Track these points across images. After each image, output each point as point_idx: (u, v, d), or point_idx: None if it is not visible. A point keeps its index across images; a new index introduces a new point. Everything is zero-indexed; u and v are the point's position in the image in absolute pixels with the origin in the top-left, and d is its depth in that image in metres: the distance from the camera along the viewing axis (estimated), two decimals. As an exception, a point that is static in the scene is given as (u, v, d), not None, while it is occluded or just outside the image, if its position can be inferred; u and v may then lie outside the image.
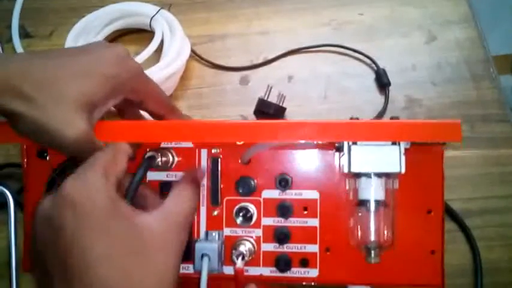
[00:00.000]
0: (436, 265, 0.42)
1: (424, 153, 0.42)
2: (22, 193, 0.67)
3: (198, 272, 0.42)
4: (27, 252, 0.46)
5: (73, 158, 0.44)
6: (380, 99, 0.73)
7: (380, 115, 0.71)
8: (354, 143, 0.40)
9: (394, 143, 0.39)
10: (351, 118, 0.40)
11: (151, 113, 0.46)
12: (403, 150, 0.39)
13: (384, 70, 0.74)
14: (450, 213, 0.62)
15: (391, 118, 0.42)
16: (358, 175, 0.41)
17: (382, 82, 0.73)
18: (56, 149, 0.39)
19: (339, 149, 0.41)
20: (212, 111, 0.74)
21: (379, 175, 0.40)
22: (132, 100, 0.43)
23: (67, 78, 0.39)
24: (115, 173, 0.36)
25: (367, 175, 0.40)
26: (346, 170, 0.40)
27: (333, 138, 0.39)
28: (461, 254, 0.60)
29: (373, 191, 0.40)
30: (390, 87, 0.73)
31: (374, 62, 0.75)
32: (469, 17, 0.78)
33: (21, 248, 0.64)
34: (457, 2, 0.80)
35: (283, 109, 0.70)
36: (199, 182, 0.39)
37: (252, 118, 0.71)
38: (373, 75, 0.75)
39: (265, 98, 0.70)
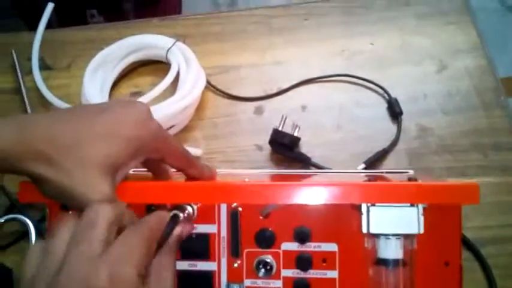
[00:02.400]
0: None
1: (442, 211, 0.43)
2: (43, 222, 0.70)
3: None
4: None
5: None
6: (393, 128, 0.74)
7: (393, 144, 0.72)
8: (373, 205, 0.41)
9: (412, 205, 0.41)
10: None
11: (172, 167, 0.47)
12: (421, 211, 0.41)
13: (395, 99, 0.75)
14: (465, 242, 0.63)
15: (409, 179, 0.43)
16: (377, 235, 0.42)
17: (395, 111, 0.75)
18: (80, 210, 0.40)
19: (358, 208, 0.42)
20: (227, 141, 0.76)
21: (397, 236, 0.42)
22: (153, 158, 0.45)
23: (91, 141, 0.40)
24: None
25: (386, 236, 0.42)
26: (365, 231, 0.42)
27: (351, 200, 0.41)
28: (478, 283, 0.61)
29: (391, 251, 0.41)
30: (402, 116, 0.74)
31: (386, 92, 0.76)
32: (479, 45, 0.80)
33: None
34: (466, 31, 0.81)
35: (298, 139, 0.71)
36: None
37: (267, 147, 0.73)
38: (385, 104, 0.76)
39: (280, 128, 0.71)
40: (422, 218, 0.41)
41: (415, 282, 0.43)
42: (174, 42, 0.78)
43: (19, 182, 0.46)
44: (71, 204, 0.40)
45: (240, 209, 0.46)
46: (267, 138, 0.71)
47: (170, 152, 0.46)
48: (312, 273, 0.45)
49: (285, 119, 0.72)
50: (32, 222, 0.70)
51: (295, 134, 0.71)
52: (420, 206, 0.41)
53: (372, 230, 0.41)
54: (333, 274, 0.44)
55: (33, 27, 0.80)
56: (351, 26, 0.84)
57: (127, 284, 0.32)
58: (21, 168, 0.39)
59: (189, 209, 0.44)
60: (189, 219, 0.44)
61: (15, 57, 0.85)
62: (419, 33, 0.81)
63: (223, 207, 0.46)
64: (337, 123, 0.76)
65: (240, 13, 0.88)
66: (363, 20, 0.84)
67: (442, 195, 0.40)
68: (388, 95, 0.76)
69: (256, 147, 0.75)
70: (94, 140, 0.40)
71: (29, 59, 0.81)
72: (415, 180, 0.43)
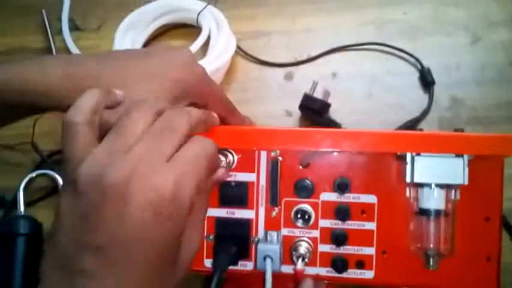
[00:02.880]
0: (492, 272, 0.43)
1: (485, 164, 0.42)
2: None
3: (257, 270, 0.44)
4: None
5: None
6: (424, 97, 0.73)
7: (424, 113, 0.72)
8: (418, 154, 0.41)
9: (458, 155, 0.40)
10: (418, 129, 0.41)
11: (214, 116, 0.47)
12: (466, 163, 0.40)
13: (428, 69, 0.74)
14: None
15: (455, 130, 0.42)
16: (420, 185, 0.42)
17: (427, 81, 0.74)
18: None
19: (401, 158, 0.42)
20: (257, 105, 0.75)
21: (441, 186, 0.41)
22: (197, 103, 0.45)
23: (136, 81, 0.41)
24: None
25: (429, 185, 0.41)
26: (408, 180, 0.41)
27: (396, 149, 0.40)
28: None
29: (434, 201, 0.41)
30: (435, 86, 0.73)
31: (418, 61, 0.75)
32: (515, 18, 0.78)
33: None
34: (502, 3, 0.79)
35: (328, 105, 0.71)
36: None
37: (296, 113, 0.73)
38: (417, 74, 0.75)
39: (311, 94, 0.71)
40: (467, 170, 0.40)
41: (456, 236, 0.42)
42: (205, 6, 0.78)
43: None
44: None
45: (280, 158, 0.45)
46: (297, 104, 0.71)
47: (214, 98, 0.46)
48: (350, 225, 0.45)
49: (316, 85, 0.71)
50: (62, 177, 0.71)
51: (326, 101, 0.70)
52: (466, 157, 0.40)
53: (417, 180, 0.41)
54: (371, 226, 0.44)
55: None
56: (383, -6, 0.83)
57: (187, 197, 0.31)
58: (64, 103, 0.39)
59: (230, 156, 0.44)
60: (228, 166, 0.44)
61: (45, 17, 0.85)
62: (454, 4, 0.80)
63: (263, 156, 0.46)
64: (368, 91, 0.75)
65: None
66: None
67: (488, 146, 0.39)
68: (421, 64, 0.75)
69: (286, 112, 0.74)
70: (140, 80, 0.41)
71: (59, 19, 0.81)
72: (462, 131, 0.42)
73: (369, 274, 0.44)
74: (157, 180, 0.30)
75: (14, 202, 0.70)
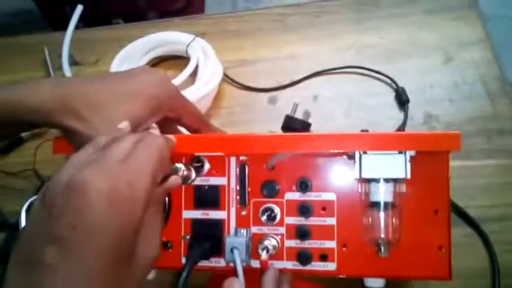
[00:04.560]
0: (444, 259, 0.46)
1: (430, 159, 0.46)
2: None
3: (229, 265, 0.48)
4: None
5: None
6: (400, 115, 0.77)
7: (400, 129, 0.76)
8: (364, 152, 0.45)
9: (400, 152, 0.45)
10: (362, 130, 0.45)
11: (187, 128, 0.52)
12: (408, 158, 0.44)
13: (403, 88, 0.79)
14: (468, 219, 0.66)
15: (397, 130, 0.47)
16: (368, 180, 0.46)
17: (402, 99, 0.78)
18: None
19: (351, 157, 0.47)
20: (242, 127, 0.80)
21: (387, 180, 0.45)
22: (170, 117, 0.50)
23: (115, 100, 0.46)
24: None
25: (377, 180, 0.46)
26: (357, 176, 0.46)
27: (346, 148, 0.45)
28: (480, 257, 0.64)
29: (382, 194, 0.45)
30: (409, 105, 0.78)
31: (393, 81, 0.80)
32: (484, 38, 0.83)
33: None
34: (473, 25, 0.85)
35: (309, 124, 0.75)
36: None
37: (279, 133, 0.77)
38: (393, 94, 0.80)
39: (292, 115, 0.75)
40: (409, 164, 0.44)
41: (405, 226, 0.46)
42: (194, 38, 0.84)
43: (53, 139, 0.52)
44: None
45: (248, 162, 0.50)
46: (280, 125, 0.76)
47: (186, 112, 0.51)
48: (313, 220, 0.48)
49: (297, 106, 0.76)
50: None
51: (307, 121, 0.75)
52: (407, 153, 0.45)
53: (364, 175, 0.45)
54: (332, 221, 0.48)
55: (58, 29, 0.87)
56: (360, 22, 0.89)
57: (141, 189, 0.36)
58: (55, 121, 0.44)
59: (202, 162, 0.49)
60: (183, 176, 0.48)
61: (47, 54, 0.92)
62: (427, 28, 0.85)
63: (233, 161, 0.50)
64: (347, 111, 0.79)
65: (256, 11, 0.94)
66: (372, 16, 0.89)
67: (426, 142, 0.44)
68: (396, 84, 0.80)
69: (270, 132, 0.79)
70: (118, 100, 0.46)
71: (59, 56, 0.87)
72: (403, 130, 0.46)
73: (331, 266, 0.48)
74: (112, 177, 0.35)
75: (17, 225, 0.74)
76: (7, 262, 0.68)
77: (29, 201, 0.76)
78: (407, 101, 0.78)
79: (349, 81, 0.83)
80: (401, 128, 0.76)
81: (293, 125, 0.75)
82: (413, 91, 0.79)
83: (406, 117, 0.77)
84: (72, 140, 0.46)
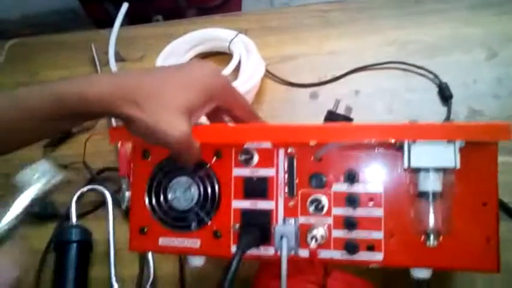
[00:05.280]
0: (492, 252, 0.46)
1: (478, 150, 0.46)
2: (118, 193, 0.78)
3: (278, 253, 0.49)
4: (134, 232, 0.54)
5: (172, 156, 0.53)
6: (443, 110, 0.77)
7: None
8: (413, 142, 0.46)
9: (449, 141, 0.45)
10: (410, 121, 0.46)
11: (236, 119, 0.54)
12: (457, 147, 0.45)
13: (446, 84, 0.79)
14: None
15: (445, 120, 0.47)
16: (417, 170, 0.47)
17: (445, 95, 0.78)
18: (161, 146, 0.48)
19: (399, 148, 0.47)
20: (284, 122, 0.81)
21: (436, 169, 0.46)
22: (221, 107, 0.52)
23: (171, 89, 0.48)
24: None
25: (426, 169, 0.46)
26: (406, 166, 0.46)
27: (395, 137, 0.46)
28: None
29: (431, 183, 0.46)
30: (453, 101, 0.78)
31: (436, 77, 0.80)
32: (530, 34, 0.82)
33: (120, 238, 0.74)
34: (516, 19, 0.84)
35: (351, 119, 0.76)
36: None
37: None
38: (435, 89, 0.80)
39: (334, 110, 0.76)
40: (458, 154, 0.45)
41: (454, 217, 0.47)
42: (237, 34, 0.86)
43: (109, 130, 0.54)
44: (154, 140, 0.47)
45: (296, 155, 0.51)
46: (321, 120, 0.76)
47: (237, 103, 0.53)
48: (360, 211, 0.49)
49: (339, 102, 0.77)
50: (109, 192, 0.78)
51: (349, 116, 0.76)
52: (457, 143, 0.45)
53: (413, 164, 0.46)
54: (379, 212, 0.49)
55: (100, 26, 0.90)
56: (402, 18, 0.89)
57: None
58: (116, 110, 0.47)
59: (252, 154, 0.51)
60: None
61: (94, 51, 0.95)
62: (470, 23, 0.85)
63: (281, 153, 0.51)
64: (389, 107, 0.80)
65: (296, 8, 0.95)
66: (415, 12, 0.89)
67: (475, 132, 0.44)
68: (439, 79, 0.80)
69: (312, 128, 0.80)
70: (174, 89, 0.48)
71: (106, 53, 0.90)
72: (452, 121, 0.47)
73: (378, 256, 0.48)
74: None
75: (67, 215, 0.77)
76: (59, 251, 0.72)
77: (79, 192, 0.79)
78: (451, 96, 0.78)
79: (391, 77, 0.83)
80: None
81: (335, 119, 0.76)
82: (456, 87, 0.78)
83: (449, 112, 0.77)
84: (132, 128, 0.48)
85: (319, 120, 0.77)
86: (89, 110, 0.47)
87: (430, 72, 0.81)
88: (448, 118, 0.76)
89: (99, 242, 0.76)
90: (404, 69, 0.83)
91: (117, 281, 0.71)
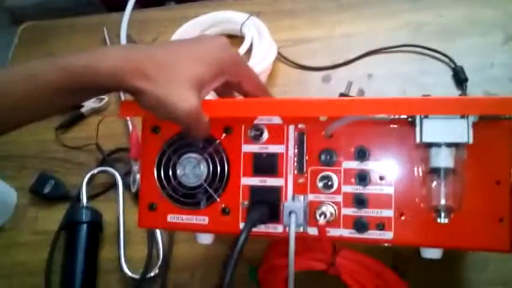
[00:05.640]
0: (505, 232, 0.45)
1: (492, 126, 0.45)
2: (128, 175, 0.78)
3: (286, 231, 0.49)
4: (143, 208, 0.54)
5: (183, 132, 0.52)
6: (457, 94, 0.76)
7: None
8: (426, 117, 0.45)
9: (462, 117, 0.44)
10: (423, 95, 0.45)
11: (246, 93, 0.53)
12: (470, 122, 0.44)
13: (461, 67, 0.78)
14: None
15: (460, 95, 0.46)
16: (429, 145, 0.46)
17: (460, 78, 0.77)
18: (171, 120, 0.47)
19: (412, 123, 0.46)
20: (297, 107, 0.81)
21: (448, 145, 0.45)
22: (231, 82, 0.51)
23: (182, 62, 0.48)
24: None
25: (438, 145, 0.45)
26: (418, 141, 0.45)
27: (408, 112, 0.45)
28: None
29: (443, 159, 0.45)
30: (468, 84, 0.76)
31: (451, 60, 0.79)
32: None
33: (129, 221, 0.75)
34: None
35: (363, 103, 0.75)
36: None
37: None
38: (450, 73, 0.79)
39: (346, 93, 0.75)
40: (471, 129, 0.44)
41: (466, 195, 0.46)
42: (249, 17, 0.85)
43: (120, 103, 0.54)
44: (164, 114, 0.47)
45: (306, 130, 0.50)
46: (334, 103, 0.76)
47: (247, 77, 0.52)
48: (370, 189, 0.48)
49: (351, 84, 0.76)
50: (120, 174, 0.78)
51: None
52: (470, 118, 0.44)
53: (425, 139, 0.45)
54: (389, 190, 0.48)
55: (113, 10, 0.90)
56: (416, 0, 0.87)
57: None
58: (127, 83, 0.46)
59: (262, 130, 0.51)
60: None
61: (106, 34, 0.95)
62: (486, 5, 0.83)
63: (291, 130, 0.51)
64: (402, 90, 0.79)
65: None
66: (429, -6, 0.87)
67: (489, 106, 0.42)
68: (454, 63, 0.79)
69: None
70: (185, 62, 0.48)
71: (118, 36, 0.90)
72: (465, 95, 0.46)
73: (388, 235, 0.48)
74: None
75: (78, 196, 0.78)
76: (70, 231, 0.72)
77: (90, 173, 0.79)
78: (466, 80, 0.76)
79: (404, 60, 0.82)
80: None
81: (347, 102, 0.75)
82: (472, 70, 0.77)
83: (464, 95, 0.75)
84: (142, 102, 0.47)
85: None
86: (101, 84, 0.46)
87: (445, 56, 0.80)
88: (462, 101, 0.75)
89: (109, 223, 0.76)
90: (418, 53, 0.82)
91: (126, 262, 0.71)
